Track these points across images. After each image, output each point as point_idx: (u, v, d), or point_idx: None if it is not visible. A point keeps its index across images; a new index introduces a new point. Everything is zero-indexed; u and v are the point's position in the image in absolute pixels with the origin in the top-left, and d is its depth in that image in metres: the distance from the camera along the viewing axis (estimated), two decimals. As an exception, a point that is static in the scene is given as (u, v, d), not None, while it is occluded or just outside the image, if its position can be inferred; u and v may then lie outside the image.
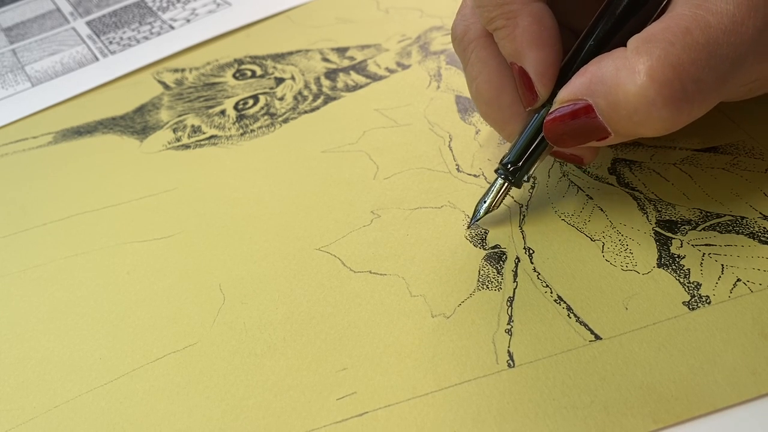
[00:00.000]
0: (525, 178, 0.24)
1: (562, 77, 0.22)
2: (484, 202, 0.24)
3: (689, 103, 0.19)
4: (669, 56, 0.19)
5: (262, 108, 0.35)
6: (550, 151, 0.24)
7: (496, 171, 0.24)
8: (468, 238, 0.25)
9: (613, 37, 0.21)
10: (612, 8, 0.21)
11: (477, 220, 0.25)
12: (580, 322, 0.21)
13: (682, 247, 0.23)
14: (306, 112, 0.34)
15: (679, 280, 0.22)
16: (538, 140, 0.23)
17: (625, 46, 0.20)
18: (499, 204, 0.24)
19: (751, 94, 0.23)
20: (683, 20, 0.19)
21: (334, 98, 0.34)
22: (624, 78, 0.19)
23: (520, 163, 0.23)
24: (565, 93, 0.21)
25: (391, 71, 0.35)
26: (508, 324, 0.21)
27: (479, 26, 0.24)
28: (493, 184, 0.24)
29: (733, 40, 0.19)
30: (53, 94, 0.39)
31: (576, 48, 0.22)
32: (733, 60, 0.19)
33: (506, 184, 0.24)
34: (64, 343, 0.24)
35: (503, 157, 0.24)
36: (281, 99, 0.35)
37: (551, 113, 0.22)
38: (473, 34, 0.24)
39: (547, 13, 0.22)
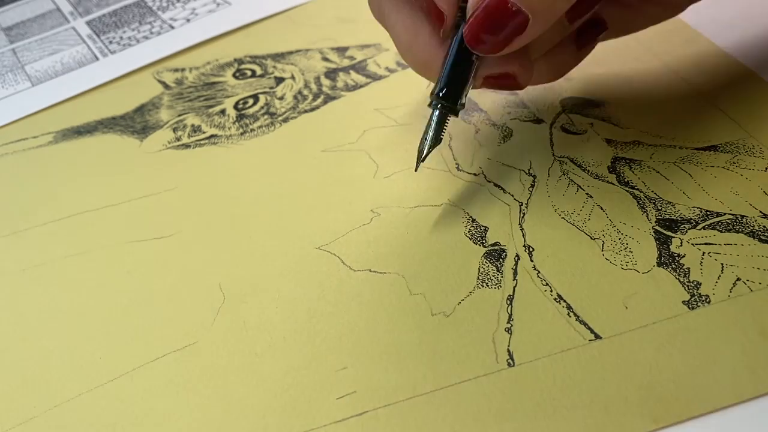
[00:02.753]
0: (461, 101, 0.23)
1: None
2: (426, 138, 0.24)
3: None
4: None
5: (262, 107, 0.35)
6: (479, 68, 0.23)
7: (429, 105, 0.24)
8: (468, 235, 0.25)
9: None
10: None
11: (424, 158, 0.24)
12: (580, 321, 0.21)
13: (681, 246, 0.23)
14: (306, 111, 0.34)
15: (678, 279, 0.22)
16: (461, 59, 0.23)
17: None
18: (442, 137, 0.24)
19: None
20: None
21: (334, 98, 0.34)
22: None
23: (452, 88, 0.23)
24: None
25: (391, 71, 0.35)
26: (508, 322, 0.21)
27: None
28: (430, 119, 0.24)
29: None
30: (53, 94, 0.39)
31: None
32: None
33: (443, 113, 0.24)
34: (64, 342, 0.24)
35: (432, 89, 0.23)
36: (281, 98, 0.35)
37: (467, 22, 0.22)
38: None
39: None
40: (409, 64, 0.25)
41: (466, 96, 0.23)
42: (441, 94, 0.23)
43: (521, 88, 0.24)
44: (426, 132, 0.24)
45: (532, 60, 0.24)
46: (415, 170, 0.25)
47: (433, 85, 0.24)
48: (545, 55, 0.25)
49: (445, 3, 0.22)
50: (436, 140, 0.24)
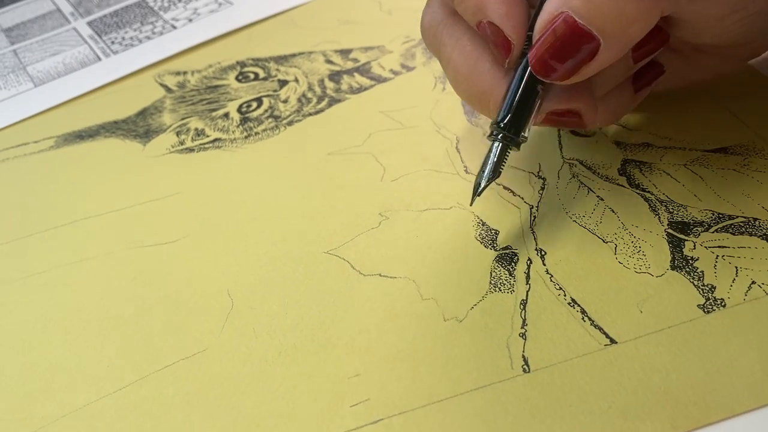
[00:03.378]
0: (524, 134, 0.22)
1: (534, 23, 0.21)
2: (483, 171, 0.22)
3: None
4: None
5: (266, 111, 0.34)
6: (543, 100, 0.22)
7: (488, 136, 0.22)
8: (478, 239, 0.25)
9: None
10: None
11: (481, 192, 0.23)
12: (595, 326, 0.21)
13: (695, 249, 0.23)
14: (310, 114, 0.33)
15: (693, 282, 0.22)
16: (526, 89, 0.22)
17: None
18: (501, 170, 0.22)
19: (747, 29, 0.22)
20: None
21: (339, 100, 0.34)
22: None
23: (514, 118, 0.22)
24: (541, 20, 0.20)
25: (396, 73, 0.35)
26: (522, 328, 0.21)
27: (444, 10, 0.24)
28: (490, 150, 0.22)
29: None
30: (56, 95, 0.39)
31: None
32: None
33: (504, 145, 0.22)
34: (70, 350, 0.24)
35: (493, 119, 0.22)
36: (285, 101, 0.35)
37: (532, 47, 0.21)
38: (441, 16, 0.24)
39: None
40: (464, 95, 0.24)
41: (529, 129, 0.22)
42: (503, 125, 0.22)
43: (585, 127, 0.23)
44: (484, 164, 0.22)
45: (595, 98, 0.23)
46: (470, 204, 0.24)
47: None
48: (604, 97, 0.24)
49: (514, 31, 0.21)
50: (495, 173, 0.22)
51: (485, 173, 0.22)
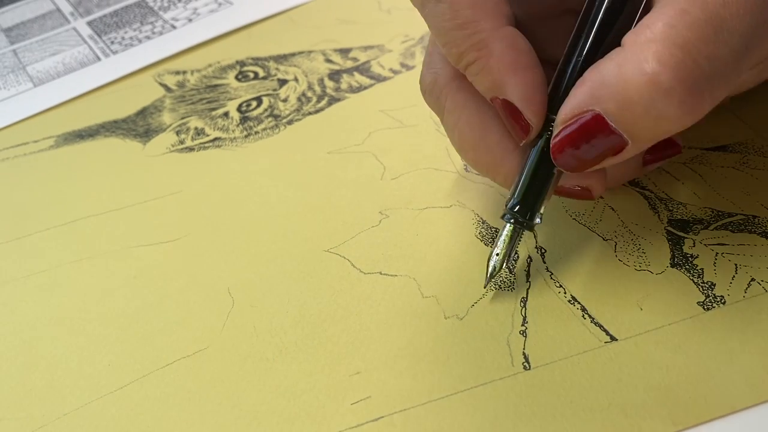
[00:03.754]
0: (537, 216, 0.21)
1: (553, 102, 0.20)
2: (497, 255, 0.21)
3: (708, 83, 0.17)
4: (673, 38, 0.17)
5: (265, 110, 0.34)
6: (557, 183, 0.21)
7: (502, 217, 0.21)
8: (479, 237, 0.25)
9: (601, 47, 0.19)
10: (591, 18, 0.20)
11: (493, 276, 0.22)
12: (595, 323, 0.21)
13: (694, 246, 0.23)
14: (310, 113, 0.33)
15: (693, 280, 0.22)
16: (542, 173, 0.21)
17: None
18: (514, 252, 0.22)
19: (762, 77, 0.22)
20: (677, 4, 0.17)
21: (339, 99, 0.34)
22: (630, 72, 0.17)
23: (528, 202, 0.21)
24: (567, 109, 0.19)
25: (395, 72, 0.35)
26: (523, 325, 0.21)
27: (448, 70, 0.22)
28: (501, 232, 0.21)
29: (735, 10, 0.17)
30: (56, 94, 0.39)
31: (561, 68, 0.20)
32: (741, 33, 0.17)
33: (517, 228, 0.21)
34: (71, 349, 0.24)
35: (507, 201, 0.21)
36: (285, 100, 0.35)
37: (556, 136, 0.19)
38: (443, 79, 0.22)
39: (519, 36, 0.20)
40: (470, 163, 0.23)
41: (542, 212, 0.21)
42: (516, 209, 0.21)
43: (593, 198, 0.22)
44: (496, 245, 0.22)
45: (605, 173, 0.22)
46: (484, 287, 0.22)
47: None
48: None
49: (535, 115, 0.20)
50: (508, 257, 0.21)
51: (499, 256, 0.21)
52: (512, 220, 0.21)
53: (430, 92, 0.23)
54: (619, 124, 0.18)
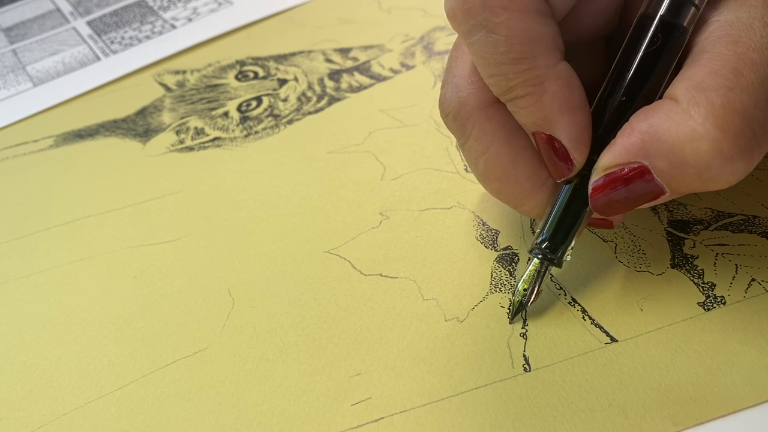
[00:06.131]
0: (567, 254, 0.21)
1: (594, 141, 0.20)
2: (524, 290, 0.21)
3: (760, 149, 0.17)
4: (733, 103, 0.17)
5: (265, 109, 0.34)
6: (588, 221, 0.21)
7: (530, 251, 0.21)
8: (479, 239, 0.25)
9: (643, 87, 0.19)
10: (632, 55, 0.19)
11: (518, 312, 0.21)
12: (595, 325, 0.21)
13: (694, 247, 0.23)
14: (310, 113, 0.33)
15: (693, 280, 0.22)
16: (573, 211, 0.20)
17: (658, 94, 0.19)
18: (540, 291, 0.21)
19: None
20: (729, 61, 0.17)
21: (339, 99, 0.34)
22: (688, 133, 0.17)
23: (557, 239, 0.20)
24: (613, 157, 0.19)
25: (396, 72, 0.35)
26: (523, 327, 0.21)
27: (478, 97, 0.21)
28: (528, 267, 0.21)
29: None
30: (56, 94, 0.39)
31: (598, 105, 0.20)
32: None
33: (545, 264, 0.21)
34: (71, 349, 0.24)
35: (536, 236, 0.21)
36: (285, 100, 0.35)
37: (597, 181, 0.19)
38: (472, 106, 0.21)
39: (573, 74, 0.19)
40: (494, 194, 0.22)
41: (572, 248, 0.21)
42: (545, 246, 0.21)
43: (611, 228, 0.22)
44: (521, 280, 0.21)
45: None
46: (510, 322, 0.22)
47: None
48: None
49: (581, 155, 0.19)
50: (535, 294, 0.21)
51: (526, 291, 0.21)
52: (540, 256, 0.21)
53: (455, 117, 0.21)
54: (665, 179, 0.18)
